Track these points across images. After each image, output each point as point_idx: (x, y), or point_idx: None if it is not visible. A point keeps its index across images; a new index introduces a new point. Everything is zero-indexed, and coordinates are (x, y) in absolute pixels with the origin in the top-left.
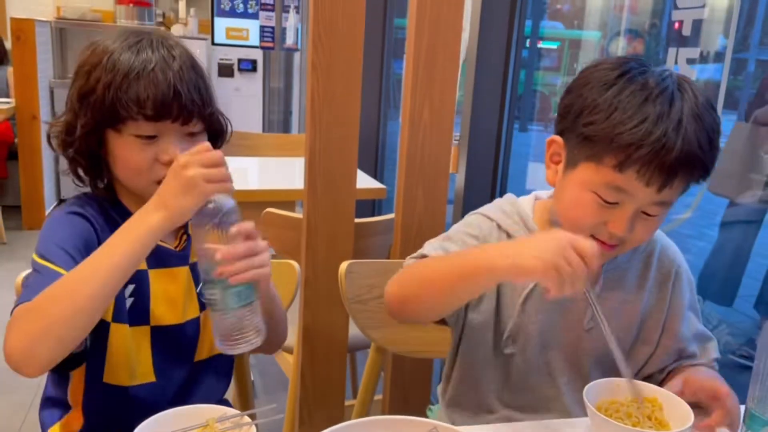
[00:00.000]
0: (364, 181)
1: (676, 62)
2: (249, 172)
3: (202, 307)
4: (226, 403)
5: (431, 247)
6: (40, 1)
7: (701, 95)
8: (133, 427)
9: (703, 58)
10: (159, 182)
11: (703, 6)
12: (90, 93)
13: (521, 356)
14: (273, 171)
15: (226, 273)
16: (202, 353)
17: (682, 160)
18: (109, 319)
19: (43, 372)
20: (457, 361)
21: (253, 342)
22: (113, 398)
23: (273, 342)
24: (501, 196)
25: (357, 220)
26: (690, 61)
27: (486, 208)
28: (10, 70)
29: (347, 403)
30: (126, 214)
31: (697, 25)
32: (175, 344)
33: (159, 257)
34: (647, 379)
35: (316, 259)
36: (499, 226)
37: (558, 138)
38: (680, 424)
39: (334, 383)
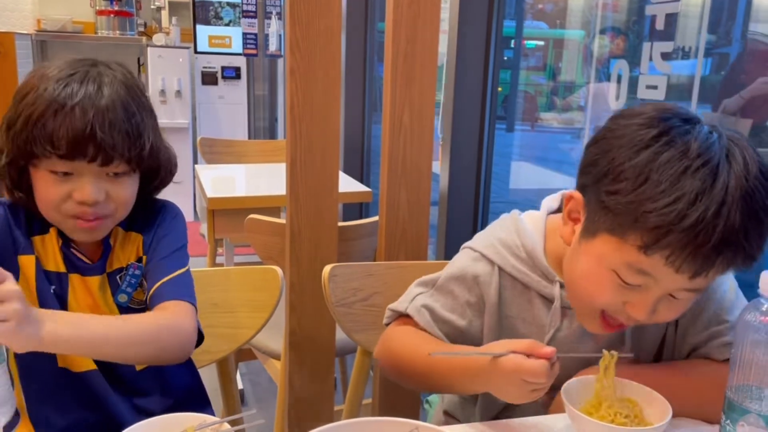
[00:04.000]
0: (350, 185)
1: (650, 57)
2: (235, 179)
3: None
4: (209, 411)
5: (414, 306)
6: (20, 14)
7: (755, 163)
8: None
9: (685, 54)
10: (72, 217)
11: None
12: (12, 124)
13: None
14: (258, 177)
15: None
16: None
17: (721, 249)
18: None
19: None
20: None
21: None
22: (63, 389)
23: (172, 356)
24: (485, 196)
25: (341, 224)
26: (665, 56)
27: (485, 242)
28: None
29: (338, 407)
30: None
31: (671, 19)
32: None
33: (76, 265)
34: None
35: (300, 264)
36: (501, 270)
37: (578, 195)
38: (658, 419)
39: (323, 388)
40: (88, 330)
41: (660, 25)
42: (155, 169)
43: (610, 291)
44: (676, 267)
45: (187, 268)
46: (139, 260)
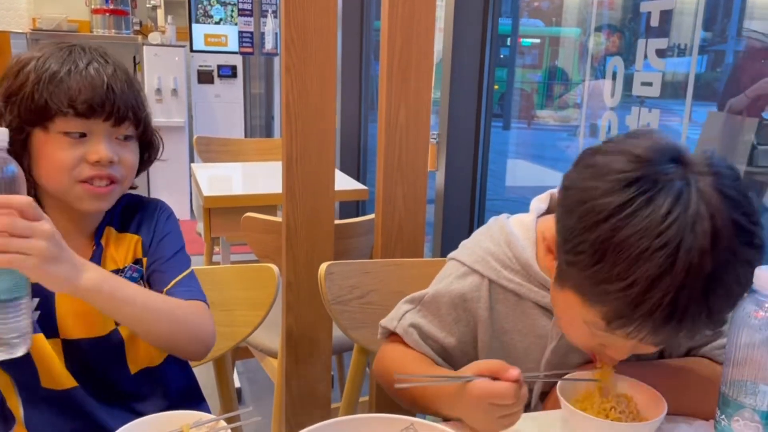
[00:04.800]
0: (346, 183)
1: (645, 55)
2: (231, 178)
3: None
4: (205, 410)
5: (402, 325)
6: (15, 13)
7: (728, 230)
8: None
9: (680, 51)
10: (83, 182)
11: None
12: (18, 91)
13: None
14: (255, 176)
15: None
16: (135, 365)
17: (683, 326)
18: None
19: None
20: None
21: (13, 350)
22: (54, 403)
23: (192, 351)
24: (481, 193)
25: (337, 222)
26: (659, 53)
27: (474, 255)
28: None
29: (334, 405)
30: None
31: (666, 16)
32: (94, 358)
33: None
34: None
35: (296, 262)
36: (491, 283)
37: (550, 236)
38: (654, 414)
39: (320, 386)
40: (124, 291)
41: (655, 21)
42: (149, 142)
43: (586, 337)
44: (638, 340)
45: (191, 268)
46: (136, 262)
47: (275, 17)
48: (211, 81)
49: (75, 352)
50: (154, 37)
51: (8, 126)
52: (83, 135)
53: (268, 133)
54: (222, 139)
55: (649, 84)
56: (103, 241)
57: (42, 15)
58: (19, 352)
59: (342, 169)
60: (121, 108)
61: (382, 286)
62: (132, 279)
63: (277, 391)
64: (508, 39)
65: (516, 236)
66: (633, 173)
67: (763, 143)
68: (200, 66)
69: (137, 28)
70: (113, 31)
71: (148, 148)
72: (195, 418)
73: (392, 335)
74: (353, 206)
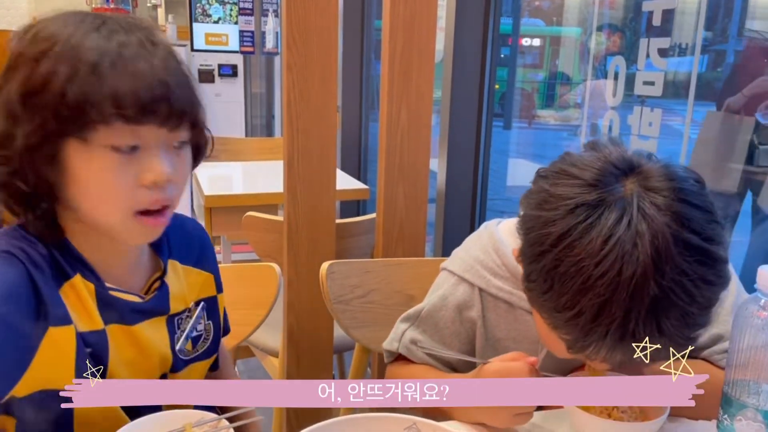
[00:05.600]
0: (347, 182)
1: (647, 54)
2: (232, 177)
3: (175, 367)
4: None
5: (404, 344)
6: (16, 12)
7: (673, 253)
8: None
9: (682, 50)
10: (141, 213)
11: None
12: (40, 89)
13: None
14: (256, 175)
15: None
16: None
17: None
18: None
19: None
20: None
21: None
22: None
23: None
24: (482, 193)
25: (338, 221)
26: (661, 52)
27: (464, 264)
28: None
29: None
30: (75, 259)
31: (668, 15)
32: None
33: (117, 312)
34: None
35: (298, 262)
36: (482, 291)
37: (516, 252)
38: (656, 414)
39: None
40: None
41: (657, 21)
42: (204, 143)
43: (565, 351)
44: (600, 359)
45: None
46: (207, 300)
47: (276, 16)
48: (211, 80)
49: None
50: None
51: (29, 135)
52: (134, 148)
53: (269, 132)
54: (222, 138)
55: (651, 83)
56: (168, 280)
57: (42, 14)
58: None
59: (343, 169)
60: (177, 108)
61: (384, 285)
62: (198, 317)
63: None
64: (509, 39)
65: (504, 243)
66: (576, 199)
67: (761, 143)
68: (201, 65)
69: None
70: None
71: (199, 151)
72: (197, 417)
73: (399, 358)
74: (354, 205)
